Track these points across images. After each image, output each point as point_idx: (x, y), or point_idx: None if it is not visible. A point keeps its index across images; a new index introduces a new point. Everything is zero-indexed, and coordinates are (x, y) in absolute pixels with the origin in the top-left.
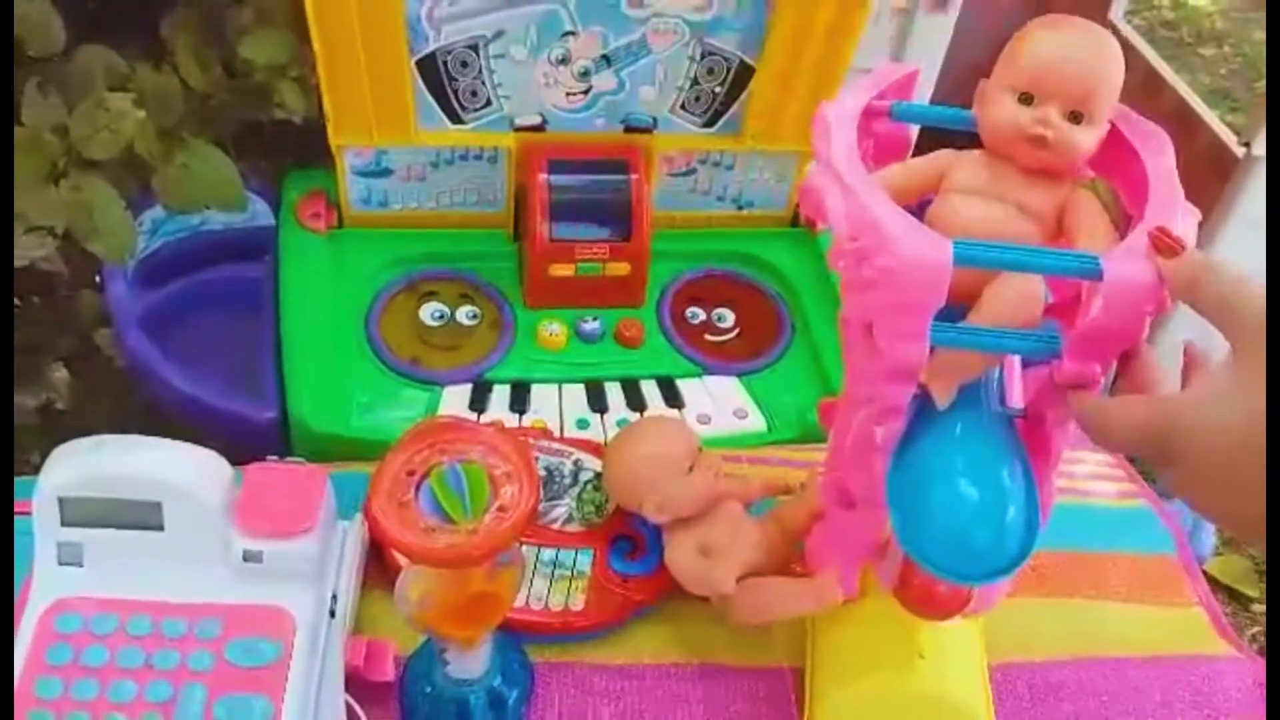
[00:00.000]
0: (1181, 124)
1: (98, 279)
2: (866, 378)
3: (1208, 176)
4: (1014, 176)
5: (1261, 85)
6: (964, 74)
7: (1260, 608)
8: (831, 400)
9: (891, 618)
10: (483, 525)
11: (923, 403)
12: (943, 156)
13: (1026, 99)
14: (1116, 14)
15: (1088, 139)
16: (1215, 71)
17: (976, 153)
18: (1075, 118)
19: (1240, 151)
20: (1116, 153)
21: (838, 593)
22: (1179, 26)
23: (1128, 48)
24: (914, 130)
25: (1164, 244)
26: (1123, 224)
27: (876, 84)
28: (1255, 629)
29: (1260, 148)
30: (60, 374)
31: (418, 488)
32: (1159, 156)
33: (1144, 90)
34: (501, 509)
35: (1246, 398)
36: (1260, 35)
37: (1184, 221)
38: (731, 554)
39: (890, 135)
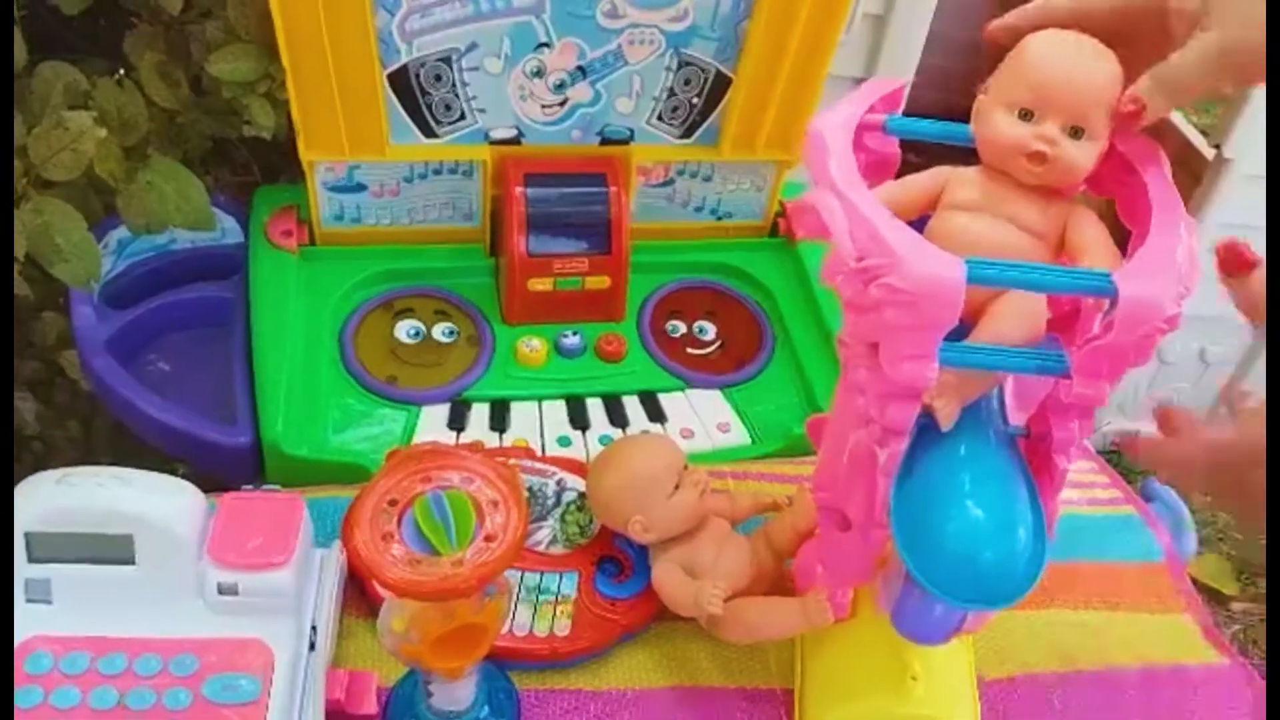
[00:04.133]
0: (1151, 127)
1: (62, 300)
2: (868, 398)
3: (1178, 179)
4: (1014, 193)
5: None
6: (936, 79)
7: (1239, 606)
8: (819, 417)
9: (883, 639)
10: (468, 556)
11: (924, 423)
12: (941, 173)
13: (1026, 115)
14: None
15: (1088, 155)
16: None
17: (975, 169)
18: (1075, 133)
19: (1210, 154)
20: (1110, 167)
21: (828, 613)
22: None
23: None
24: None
25: (1238, 260)
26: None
27: (866, 98)
28: (1235, 627)
29: (1230, 150)
30: (25, 399)
31: (400, 518)
32: (1156, 169)
33: None
34: (488, 538)
35: None
36: None
37: (1187, 234)
38: (719, 574)
39: (880, 150)
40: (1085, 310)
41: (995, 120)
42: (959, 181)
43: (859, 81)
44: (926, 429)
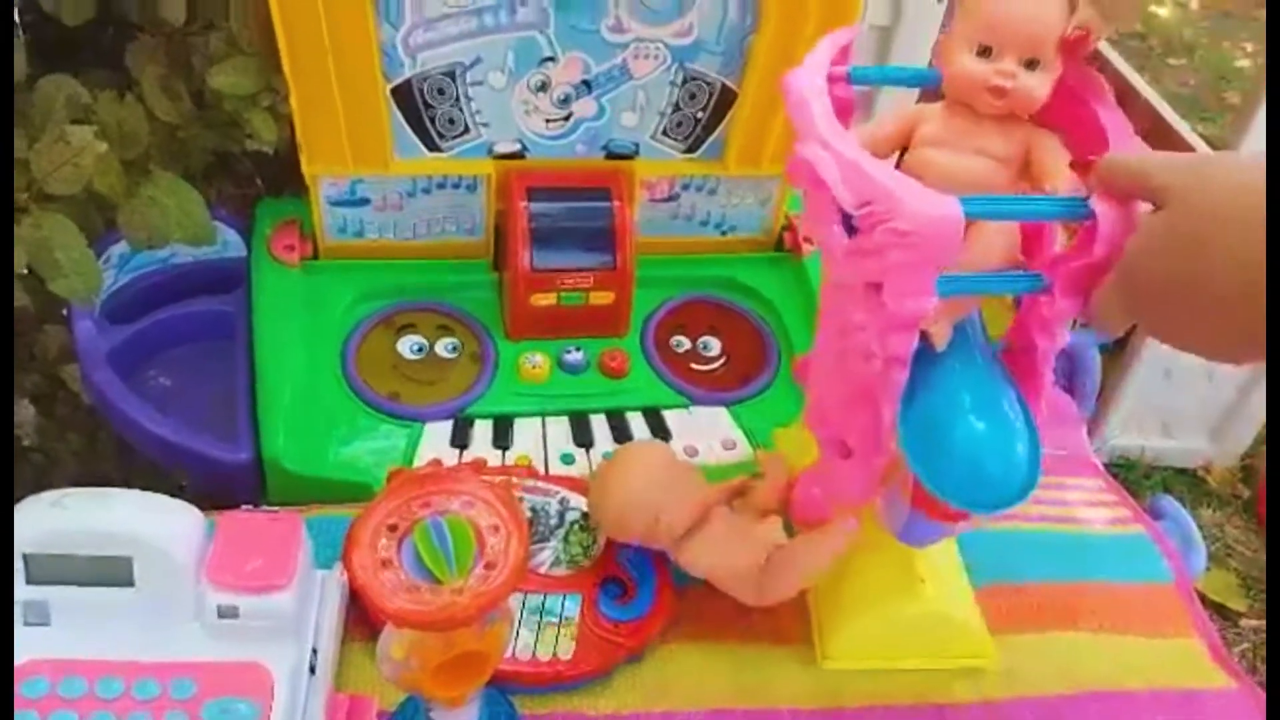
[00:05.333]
0: (1156, 136)
1: (65, 312)
2: (869, 334)
3: None
4: (978, 125)
5: (1232, 96)
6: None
7: (1248, 623)
8: (805, 357)
9: (891, 550)
10: (469, 585)
11: (918, 349)
12: (911, 112)
13: (985, 51)
14: None
15: (1043, 84)
16: (1185, 82)
17: (940, 105)
18: (1030, 65)
19: None
20: (1059, 100)
21: (856, 529)
22: (1148, 37)
23: (1100, 61)
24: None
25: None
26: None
27: (829, 50)
28: (1243, 645)
29: None
30: (27, 410)
31: (400, 544)
32: (1103, 100)
33: (1118, 102)
34: (489, 565)
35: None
36: (1228, 44)
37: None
38: (747, 531)
39: (842, 99)
40: (1047, 232)
41: (957, 59)
42: (927, 118)
43: (865, 94)
44: (920, 355)
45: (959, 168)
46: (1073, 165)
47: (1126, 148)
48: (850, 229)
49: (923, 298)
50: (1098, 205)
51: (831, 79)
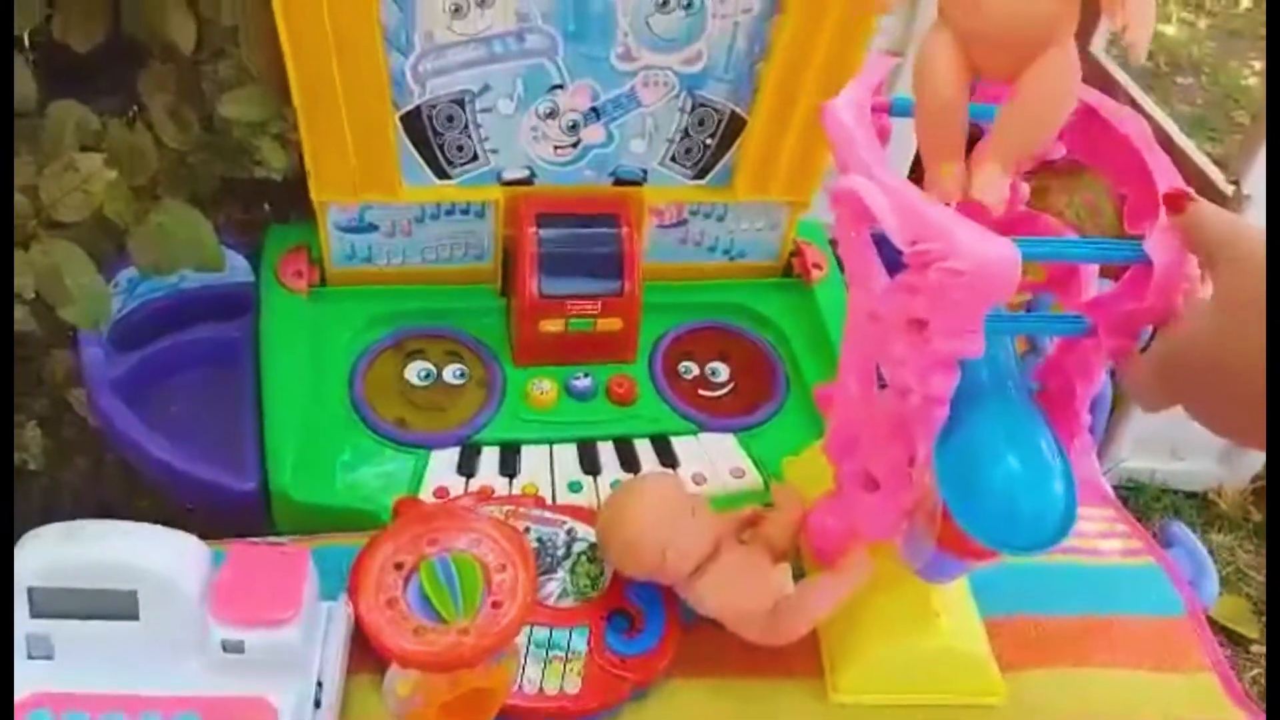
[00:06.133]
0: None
1: (71, 335)
2: (908, 370)
3: None
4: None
5: (1240, 115)
6: None
7: (1260, 649)
8: (828, 386)
9: (907, 584)
10: (476, 624)
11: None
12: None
13: None
14: (1097, 47)
15: None
16: (1192, 100)
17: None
18: None
19: (1229, 189)
20: (1097, 137)
21: (870, 568)
22: (1155, 56)
23: (1109, 82)
24: None
25: (1178, 201)
26: (1118, 205)
27: (868, 80)
28: (1255, 671)
29: (1249, 185)
30: (33, 433)
31: (406, 582)
32: (1146, 142)
33: None
34: (495, 604)
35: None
36: (1236, 63)
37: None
38: (757, 571)
39: (882, 129)
40: (1084, 270)
41: None
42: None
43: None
44: (956, 391)
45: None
46: (1119, 203)
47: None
48: (891, 262)
49: (970, 338)
50: (1154, 252)
51: (873, 109)
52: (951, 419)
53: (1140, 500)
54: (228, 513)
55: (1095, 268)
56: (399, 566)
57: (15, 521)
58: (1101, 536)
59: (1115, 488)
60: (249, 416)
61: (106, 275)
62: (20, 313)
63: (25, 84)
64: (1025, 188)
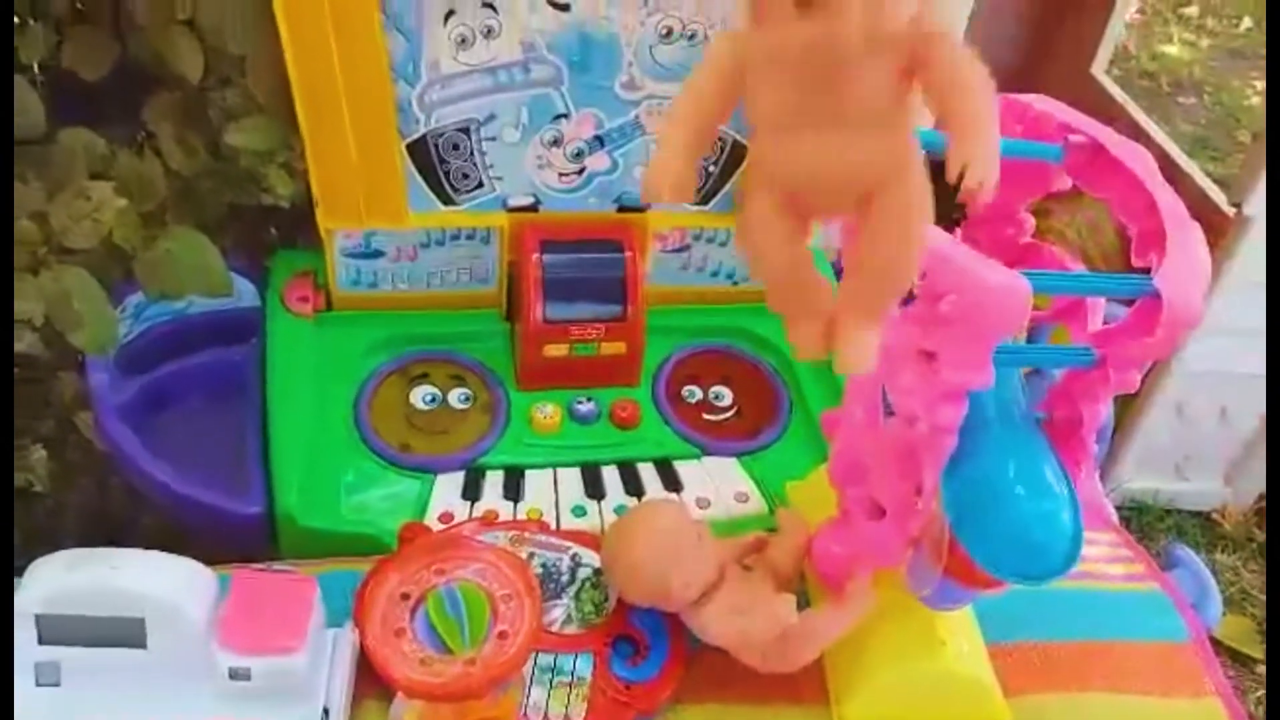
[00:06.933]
0: (1167, 179)
1: (80, 358)
2: (916, 400)
3: None
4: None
5: (1242, 134)
6: None
7: (1264, 669)
8: (834, 412)
9: (912, 611)
10: (482, 655)
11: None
12: (720, 58)
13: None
14: (1098, 69)
15: None
16: (1195, 120)
17: (766, 56)
18: None
19: (1230, 211)
20: (1102, 170)
21: (874, 598)
22: (1158, 76)
23: (1110, 103)
24: None
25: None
26: (1120, 224)
27: None
28: (1260, 691)
29: (1250, 207)
30: (38, 455)
31: (413, 612)
32: (1151, 175)
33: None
34: (502, 635)
35: None
36: (1238, 83)
37: (1200, 243)
38: (761, 600)
39: None
40: (1091, 303)
41: None
42: (758, 79)
43: None
44: (964, 421)
45: (823, 155)
46: (1125, 238)
47: (1185, 235)
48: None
49: (980, 370)
50: (1164, 287)
51: None
52: (959, 449)
53: (1144, 520)
54: (233, 537)
55: (1101, 304)
56: (405, 597)
57: (20, 543)
58: (1105, 561)
59: (1119, 508)
60: (254, 441)
61: (114, 300)
62: (29, 338)
63: (35, 111)
64: (1030, 220)
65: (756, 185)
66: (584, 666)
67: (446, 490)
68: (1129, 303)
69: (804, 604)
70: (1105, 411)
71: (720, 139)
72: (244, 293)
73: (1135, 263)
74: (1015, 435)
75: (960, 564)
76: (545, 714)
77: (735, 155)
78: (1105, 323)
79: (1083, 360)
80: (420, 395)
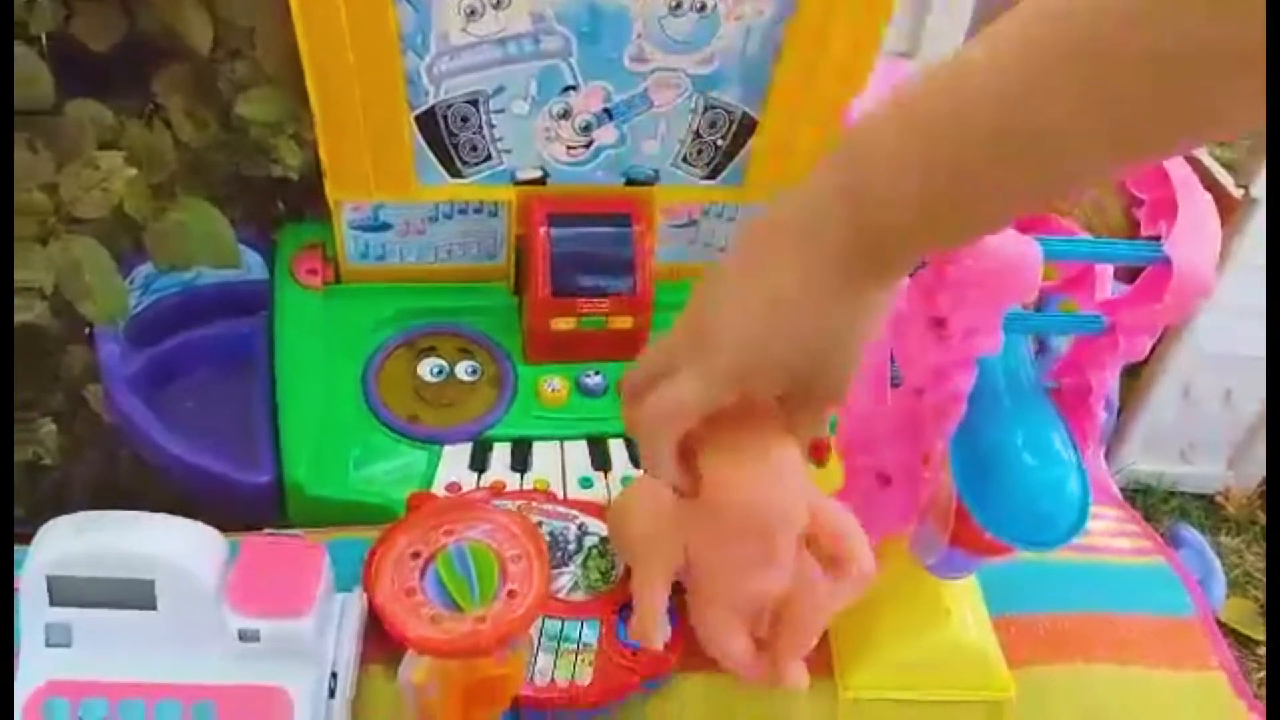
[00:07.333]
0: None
1: (87, 331)
2: (924, 369)
3: None
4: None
5: None
6: None
7: (1265, 650)
8: None
9: (919, 581)
10: (492, 612)
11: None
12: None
13: None
14: None
15: None
16: None
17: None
18: None
19: (1238, 193)
20: None
21: (880, 567)
22: None
23: None
24: None
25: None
26: (1124, 203)
27: (888, 81)
28: (1262, 673)
29: (1257, 189)
30: (48, 429)
31: (423, 572)
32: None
33: None
34: (511, 594)
35: None
36: None
37: (1211, 211)
38: None
39: None
40: (1098, 273)
41: None
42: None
43: None
44: (972, 389)
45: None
46: (1125, 201)
47: (1195, 204)
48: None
49: (990, 335)
50: (1174, 253)
51: None
52: (968, 417)
53: (1148, 503)
54: (242, 507)
55: (1110, 269)
56: (416, 556)
57: (28, 515)
58: (1110, 536)
59: (1123, 490)
60: (263, 412)
61: (123, 272)
62: (39, 306)
63: (43, 83)
64: None
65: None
66: (590, 633)
67: (454, 461)
68: (1131, 280)
69: None
70: (1113, 381)
71: (728, 112)
72: (252, 265)
73: (1145, 230)
74: (1024, 403)
75: (967, 532)
76: (552, 679)
77: (744, 128)
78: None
79: (1092, 327)
80: (428, 368)
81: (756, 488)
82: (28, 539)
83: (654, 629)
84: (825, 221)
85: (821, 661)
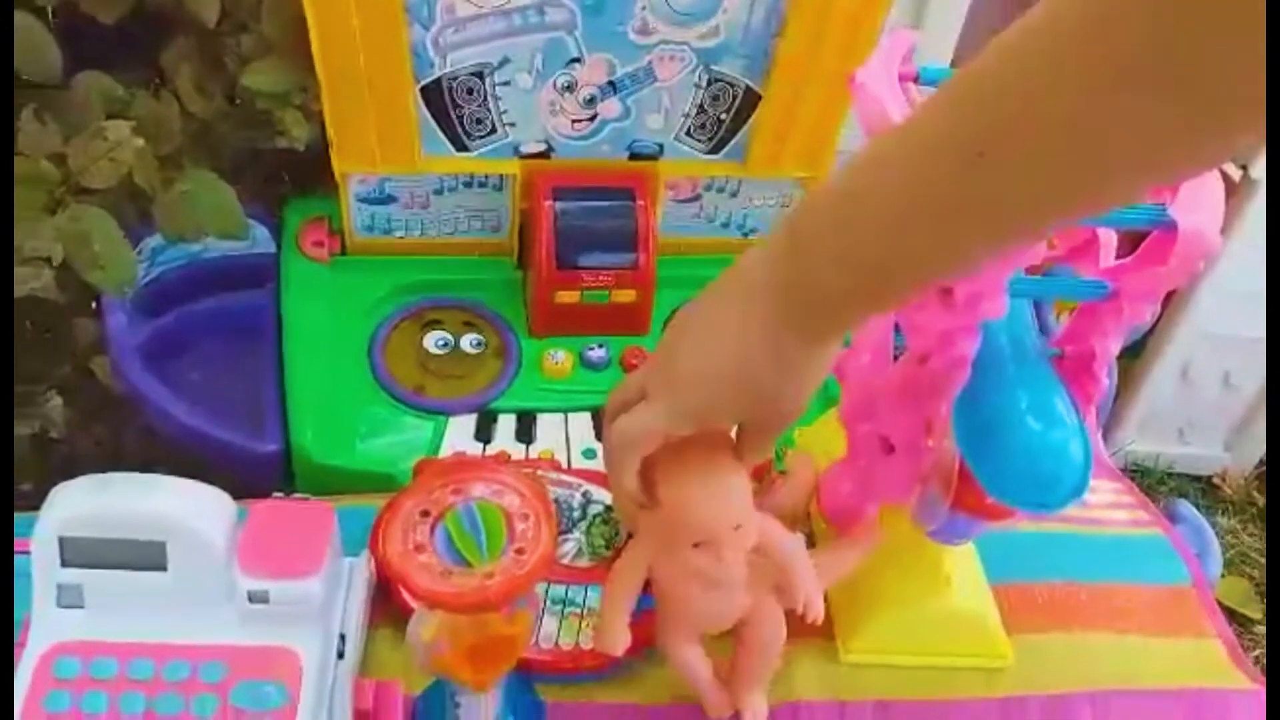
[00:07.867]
0: None
1: (94, 305)
2: (929, 335)
3: None
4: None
5: None
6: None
7: (1262, 629)
8: (843, 353)
9: (920, 547)
10: (500, 568)
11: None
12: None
13: None
14: None
15: None
16: None
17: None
18: None
19: (1237, 174)
20: None
21: (882, 534)
22: None
23: None
24: None
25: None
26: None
27: (894, 52)
28: (1258, 651)
29: (1257, 170)
30: (55, 402)
31: (433, 529)
32: None
33: None
34: (519, 550)
35: None
36: None
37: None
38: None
39: (910, 100)
40: (1101, 241)
41: None
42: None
43: None
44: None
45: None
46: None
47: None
48: None
49: (994, 299)
50: (1179, 216)
51: (900, 78)
52: (971, 382)
53: (1146, 483)
54: (249, 476)
55: (1114, 240)
56: (425, 514)
57: (37, 489)
58: (1108, 507)
59: (1121, 469)
60: (270, 382)
61: (131, 243)
62: (46, 275)
63: (51, 55)
64: None
65: (673, 634)
66: (594, 598)
67: (459, 432)
68: (1133, 249)
69: (811, 543)
70: (1116, 348)
71: (732, 86)
72: (259, 238)
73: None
74: (1027, 368)
75: (969, 496)
76: (556, 643)
77: (748, 102)
78: None
79: (1097, 292)
80: (433, 340)
81: (707, 504)
82: (35, 509)
83: (614, 640)
84: (771, 280)
85: (823, 626)
